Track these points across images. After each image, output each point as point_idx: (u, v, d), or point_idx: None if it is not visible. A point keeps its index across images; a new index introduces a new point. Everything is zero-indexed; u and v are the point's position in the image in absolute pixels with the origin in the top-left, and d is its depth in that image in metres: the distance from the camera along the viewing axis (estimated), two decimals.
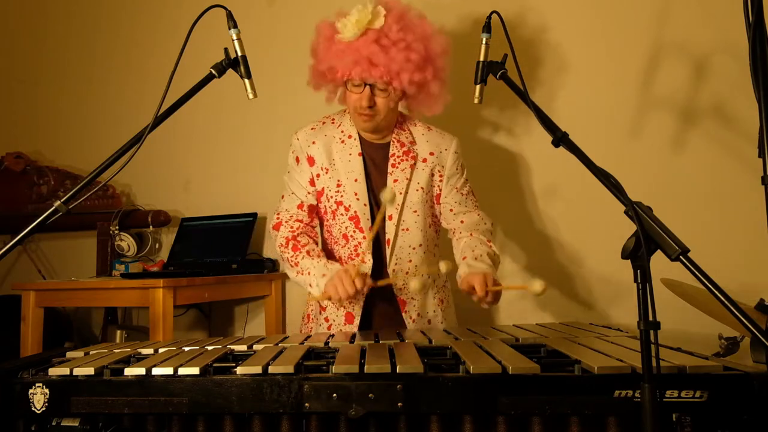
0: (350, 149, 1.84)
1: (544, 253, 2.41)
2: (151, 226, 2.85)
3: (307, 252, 1.79)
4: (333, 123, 1.90)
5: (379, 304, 1.85)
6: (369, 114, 1.75)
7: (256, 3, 2.83)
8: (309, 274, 1.76)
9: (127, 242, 2.82)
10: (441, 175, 1.87)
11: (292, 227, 1.85)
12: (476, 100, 1.44)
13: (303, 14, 2.75)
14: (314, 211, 1.90)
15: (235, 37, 1.44)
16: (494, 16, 1.41)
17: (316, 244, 1.87)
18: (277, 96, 2.64)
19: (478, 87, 1.44)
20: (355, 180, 1.81)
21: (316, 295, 1.75)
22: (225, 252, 2.66)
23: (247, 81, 1.44)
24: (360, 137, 1.86)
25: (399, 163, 1.83)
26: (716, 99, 2.22)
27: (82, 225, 2.93)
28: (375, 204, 1.82)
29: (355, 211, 1.81)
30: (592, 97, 2.36)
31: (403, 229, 1.82)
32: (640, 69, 2.30)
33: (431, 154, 1.85)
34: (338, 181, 1.83)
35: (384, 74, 1.66)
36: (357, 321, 1.82)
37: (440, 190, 1.88)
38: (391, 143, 1.85)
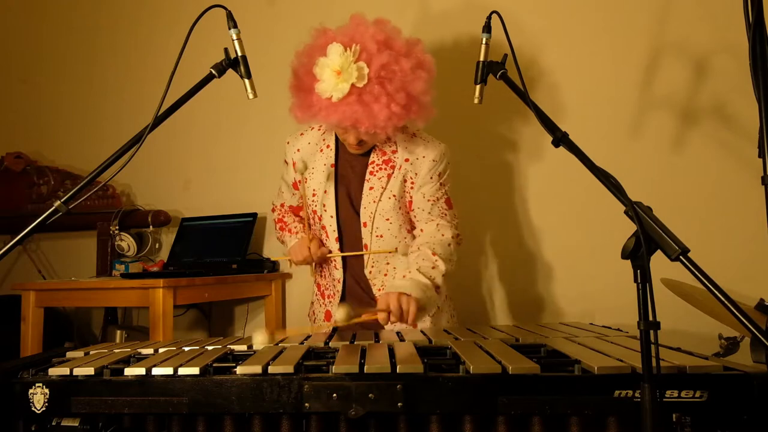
0: (325, 159, 1.87)
1: (543, 253, 2.41)
2: (151, 226, 2.85)
3: (289, 230, 2.00)
4: (318, 130, 1.93)
5: (358, 305, 1.85)
6: (357, 147, 1.79)
7: (256, 3, 2.83)
8: (287, 245, 2.00)
9: (127, 242, 2.82)
10: (413, 182, 1.83)
11: (280, 211, 2.07)
12: (476, 101, 1.44)
13: (303, 14, 2.75)
14: (296, 210, 2.04)
15: (235, 37, 1.43)
16: (494, 16, 1.41)
17: (300, 222, 2.03)
18: (277, 96, 2.63)
19: (478, 87, 1.43)
20: (325, 192, 1.86)
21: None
22: (225, 252, 2.66)
23: (247, 81, 1.44)
24: (341, 146, 1.87)
25: (377, 172, 1.83)
26: (716, 99, 2.22)
27: (82, 225, 2.94)
28: (355, 212, 1.84)
29: (325, 222, 1.87)
30: (592, 98, 2.36)
31: (377, 236, 1.84)
32: (640, 69, 2.30)
33: (406, 160, 1.82)
34: (314, 190, 1.89)
35: (369, 129, 1.64)
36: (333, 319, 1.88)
37: (411, 197, 1.84)
38: (373, 152, 1.85)
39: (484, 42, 1.43)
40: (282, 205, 2.06)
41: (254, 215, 2.71)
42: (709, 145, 2.23)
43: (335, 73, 1.59)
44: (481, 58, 1.43)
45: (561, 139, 1.27)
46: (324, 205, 1.86)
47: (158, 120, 1.37)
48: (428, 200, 1.82)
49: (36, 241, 3.18)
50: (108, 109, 3.11)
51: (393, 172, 1.83)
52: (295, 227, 1.99)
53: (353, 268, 1.89)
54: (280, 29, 2.77)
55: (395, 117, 1.63)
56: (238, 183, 2.86)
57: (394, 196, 1.82)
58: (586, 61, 2.38)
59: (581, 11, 2.40)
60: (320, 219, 1.87)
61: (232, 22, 1.43)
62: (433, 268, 1.71)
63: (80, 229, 2.99)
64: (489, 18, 1.42)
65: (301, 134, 1.94)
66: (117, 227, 2.84)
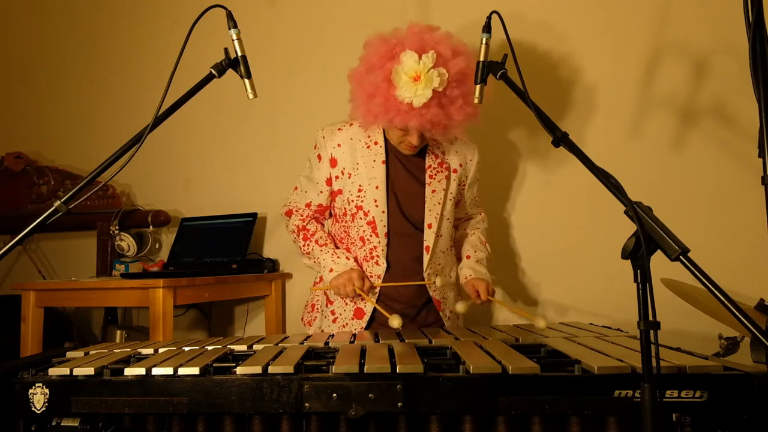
0: (375, 156, 1.86)
1: (543, 253, 2.41)
2: (151, 226, 2.85)
3: (316, 241, 1.93)
4: (359, 126, 1.90)
5: (414, 304, 1.90)
6: (414, 148, 1.82)
7: (256, 3, 2.83)
8: (318, 263, 1.91)
9: (127, 242, 2.82)
10: (464, 185, 1.98)
11: (302, 215, 1.99)
12: (476, 100, 1.44)
13: (303, 14, 2.75)
14: (322, 209, 1.99)
15: (235, 37, 1.43)
16: (494, 16, 1.41)
17: (323, 230, 1.99)
18: (277, 96, 2.65)
19: (478, 87, 1.44)
20: (376, 187, 1.84)
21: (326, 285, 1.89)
22: (225, 252, 2.66)
23: (247, 81, 1.44)
24: (389, 144, 1.88)
25: (435, 175, 1.89)
26: (716, 99, 2.22)
27: (82, 225, 2.94)
28: (401, 211, 1.87)
29: (373, 217, 1.84)
30: (592, 97, 2.36)
31: (438, 236, 1.88)
32: (640, 69, 2.30)
33: (460, 165, 1.94)
34: (360, 186, 1.86)
35: (443, 131, 1.72)
36: (367, 317, 1.87)
37: (461, 196, 2.00)
38: (427, 155, 1.90)
39: (483, 42, 1.43)
40: (308, 205, 1.97)
41: (254, 215, 2.71)
42: (709, 145, 2.23)
43: (411, 80, 1.63)
44: (481, 58, 1.43)
45: (561, 139, 1.27)
46: (375, 201, 1.84)
47: (158, 120, 1.37)
48: (475, 198, 2.06)
49: (36, 241, 3.18)
50: (108, 109, 3.11)
51: (449, 175, 1.91)
52: (323, 238, 1.92)
53: (397, 268, 1.86)
54: (280, 29, 2.77)
55: (469, 117, 1.72)
56: (238, 183, 2.86)
57: (454, 197, 1.94)
58: (586, 60, 2.39)
59: (581, 11, 2.40)
60: (366, 215, 1.84)
61: (232, 22, 1.43)
62: (490, 256, 2.03)
63: (80, 229, 2.99)
64: (489, 18, 1.42)
65: (339, 129, 1.90)
66: (117, 227, 2.84)
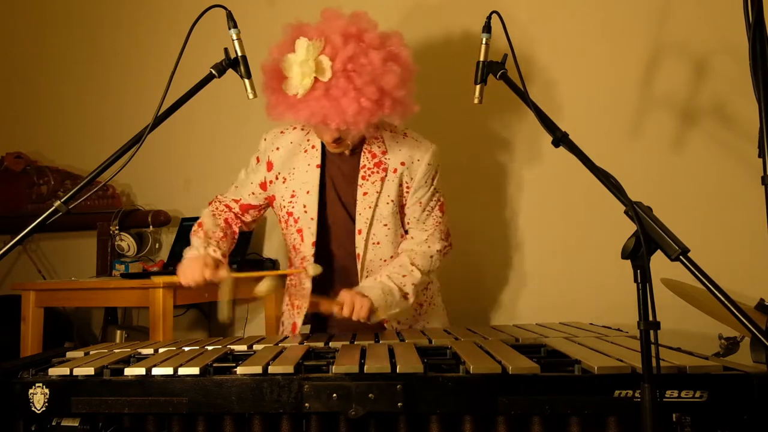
0: (310, 160, 1.77)
1: (543, 253, 2.41)
2: (151, 226, 2.85)
3: (203, 230, 1.78)
4: (302, 130, 1.82)
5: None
6: (335, 146, 1.69)
7: (256, 3, 2.82)
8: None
9: (127, 242, 2.82)
10: (408, 186, 1.76)
11: (216, 208, 1.88)
12: (476, 101, 1.44)
13: (303, 14, 2.74)
14: (246, 207, 1.87)
15: (235, 37, 1.44)
16: (494, 16, 1.41)
17: (225, 229, 1.83)
18: None
19: (478, 87, 1.43)
20: (308, 192, 1.75)
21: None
22: None
23: (247, 81, 1.44)
24: (325, 147, 1.77)
25: (369, 176, 1.74)
26: (716, 99, 2.22)
27: (82, 225, 2.93)
28: (349, 216, 1.76)
29: (302, 225, 1.76)
30: (592, 97, 2.36)
31: (373, 243, 1.75)
32: (640, 69, 2.30)
33: (402, 164, 1.75)
34: (293, 191, 1.77)
35: (340, 125, 1.54)
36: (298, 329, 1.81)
37: (405, 200, 1.78)
38: (362, 154, 1.75)
39: (484, 42, 1.43)
40: (236, 201, 1.87)
41: None
42: (709, 145, 2.23)
43: (300, 78, 1.53)
44: (481, 58, 1.43)
45: (561, 139, 1.27)
46: (304, 206, 1.74)
47: (158, 120, 1.37)
48: (423, 207, 1.78)
49: (36, 241, 3.18)
50: (108, 109, 3.11)
51: (386, 175, 1.74)
52: (210, 232, 1.77)
53: (326, 279, 1.75)
54: (280, 29, 2.76)
55: (365, 112, 1.53)
56: None
57: (392, 201, 1.74)
58: (586, 61, 2.38)
59: (581, 11, 2.39)
60: (296, 222, 1.76)
61: (232, 22, 1.43)
62: (404, 276, 1.69)
63: (80, 229, 2.98)
64: (489, 18, 1.42)
65: (282, 132, 1.83)
66: (117, 227, 2.83)
